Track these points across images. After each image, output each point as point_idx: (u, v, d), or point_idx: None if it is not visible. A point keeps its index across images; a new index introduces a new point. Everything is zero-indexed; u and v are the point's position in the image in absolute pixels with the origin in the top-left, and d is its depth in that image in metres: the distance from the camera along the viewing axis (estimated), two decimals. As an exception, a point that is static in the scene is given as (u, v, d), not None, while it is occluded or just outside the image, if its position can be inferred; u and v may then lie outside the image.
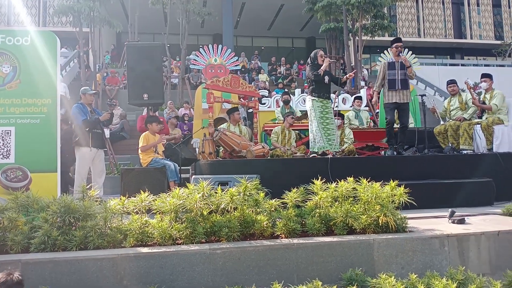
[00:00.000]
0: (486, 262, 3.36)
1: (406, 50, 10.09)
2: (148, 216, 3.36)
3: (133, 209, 3.30)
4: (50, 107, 4.24)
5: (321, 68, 5.97)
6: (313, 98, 6.07)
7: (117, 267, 2.87)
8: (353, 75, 6.47)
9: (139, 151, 5.71)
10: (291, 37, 29.39)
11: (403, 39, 21.73)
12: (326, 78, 5.98)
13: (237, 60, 10.94)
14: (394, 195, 3.42)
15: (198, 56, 9.32)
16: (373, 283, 2.82)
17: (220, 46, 9.52)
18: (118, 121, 11.34)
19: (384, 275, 2.84)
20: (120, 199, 3.38)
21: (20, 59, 4.18)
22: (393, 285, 2.72)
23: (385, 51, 10.74)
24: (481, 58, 27.14)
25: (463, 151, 6.54)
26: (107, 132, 8.21)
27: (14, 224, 3.15)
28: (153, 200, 3.35)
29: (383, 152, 7.83)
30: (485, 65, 24.05)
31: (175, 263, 2.91)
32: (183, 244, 3.09)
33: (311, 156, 6.06)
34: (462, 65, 24.26)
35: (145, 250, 2.95)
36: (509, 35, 25.84)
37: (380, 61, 10.14)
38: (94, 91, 6.12)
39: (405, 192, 3.43)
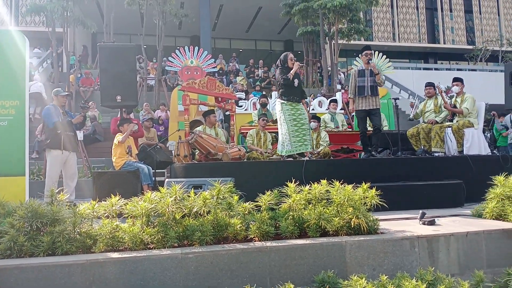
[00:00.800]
0: (455, 262, 3.43)
1: (381, 54, 10.24)
2: (119, 220, 3.31)
3: (104, 213, 3.23)
4: (18, 108, 4.13)
5: (291, 72, 5.93)
6: (282, 101, 6.00)
7: (86, 273, 2.80)
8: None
9: (113, 154, 5.61)
10: (269, 40, 29.52)
11: (378, 43, 22.20)
12: (296, 81, 5.97)
13: (214, 62, 10.89)
14: (366, 197, 3.46)
15: (174, 58, 9.24)
16: (345, 285, 2.84)
17: (196, 48, 9.48)
18: (90, 124, 11.14)
19: (356, 276, 2.87)
20: (91, 203, 3.30)
21: (-14, 59, 4.06)
22: (363, 287, 2.74)
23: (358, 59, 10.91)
24: (454, 62, 27.87)
25: (435, 154, 6.68)
26: (80, 135, 8.06)
27: (-21, 230, 3.04)
28: (124, 204, 3.29)
29: (358, 154, 7.94)
30: (458, 70, 24.74)
31: (146, 268, 2.86)
32: (154, 248, 3.04)
33: (287, 159, 6.07)
34: (436, 69, 24.87)
35: (115, 255, 2.90)
36: (480, 40, 26.60)
37: (356, 65, 10.30)
38: (66, 93, 5.99)
39: (376, 194, 3.47)
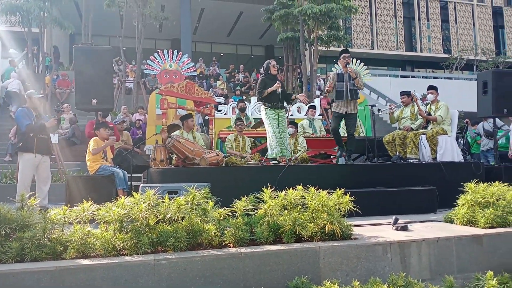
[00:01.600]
0: (427, 267, 3.49)
1: (358, 61, 10.44)
2: (92, 226, 3.25)
3: (75, 219, 3.17)
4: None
5: (268, 90, 6.08)
6: (266, 107, 6.20)
7: (55, 280, 2.74)
8: (304, 100, 6.62)
9: (87, 158, 5.51)
10: (250, 45, 29.62)
11: (357, 50, 22.52)
12: (279, 89, 6.07)
13: (193, 66, 10.85)
14: (340, 203, 3.49)
15: (152, 61, 9.17)
16: (318, 291, 2.86)
17: (175, 51, 9.42)
18: (69, 126, 10.93)
19: (328, 282, 2.89)
20: (62, 208, 3.24)
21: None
22: (336, 293, 2.77)
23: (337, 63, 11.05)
24: (430, 70, 28.50)
25: (410, 160, 6.81)
26: (55, 138, 7.90)
27: None
28: (97, 210, 3.23)
29: (335, 160, 8.01)
30: (434, 77, 25.32)
31: (118, 275, 2.81)
32: (127, 255, 3.00)
33: (272, 163, 6.11)
34: (413, 76, 25.41)
35: (86, 262, 2.84)
36: (456, 49, 27.28)
37: (335, 69, 10.43)
38: (40, 95, 5.85)
39: (350, 200, 3.51)
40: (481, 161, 8.77)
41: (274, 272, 3.10)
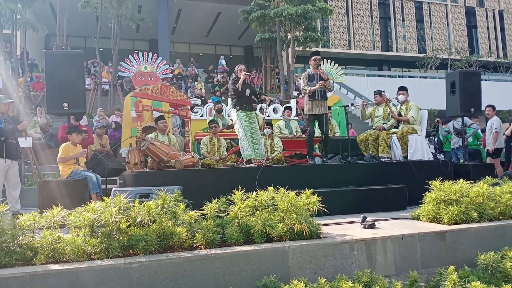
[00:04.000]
0: (392, 264, 3.62)
1: (333, 63, 10.60)
2: (63, 231, 3.26)
3: (45, 224, 3.18)
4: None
5: (239, 82, 6.27)
6: (237, 110, 6.37)
7: (25, 286, 2.75)
8: (270, 102, 6.81)
9: (58, 163, 5.48)
10: (229, 45, 29.63)
11: (335, 50, 22.74)
12: (247, 91, 6.27)
13: (168, 68, 10.85)
14: (309, 203, 3.59)
15: (127, 63, 9.13)
16: (286, 289, 2.95)
17: (150, 53, 9.41)
18: (47, 127, 10.75)
19: (296, 280, 2.98)
20: (32, 214, 3.24)
21: None
22: (303, 290, 2.86)
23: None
24: (406, 70, 29.04)
25: (382, 159, 6.98)
26: (29, 141, 7.79)
27: None
28: (68, 215, 3.25)
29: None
30: (410, 77, 25.84)
31: (88, 279, 2.84)
32: (98, 259, 3.03)
33: (248, 165, 6.20)
34: (389, 76, 25.86)
35: (55, 267, 2.86)
36: (431, 49, 27.87)
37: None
38: (9, 100, 5.78)
39: (319, 200, 3.62)
40: (452, 158, 9.06)
41: (244, 272, 3.17)
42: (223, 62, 20.77)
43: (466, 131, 8.39)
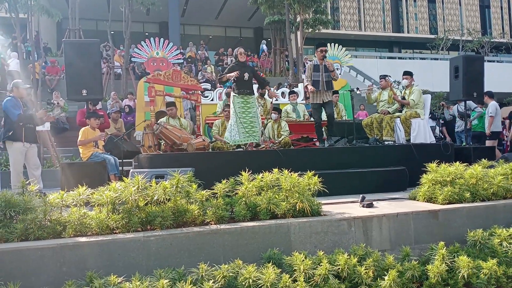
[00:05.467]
0: (387, 240, 3.94)
1: (340, 46, 10.73)
2: (87, 208, 3.62)
3: (72, 202, 3.54)
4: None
5: (226, 75, 6.36)
6: (234, 94, 6.48)
7: (57, 255, 3.12)
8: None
9: (78, 146, 5.85)
10: (239, 27, 29.66)
11: (345, 32, 22.63)
12: (246, 75, 6.37)
13: (180, 53, 11.11)
14: (310, 184, 3.90)
15: (139, 49, 9.42)
16: (287, 260, 3.29)
17: (162, 39, 9.66)
18: (60, 112, 11.17)
19: (297, 253, 3.31)
20: (59, 193, 3.60)
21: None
22: (302, 261, 3.19)
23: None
24: (418, 51, 28.84)
25: (386, 142, 7.23)
26: (47, 125, 8.18)
27: (-45, 219, 3.30)
28: (91, 194, 3.60)
29: (317, 143, 8.42)
30: (421, 58, 25.69)
31: (112, 250, 3.21)
32: (119, 233, 3.39)
33: (236, 150, 6.44)
34: (400, 58, 25.76)
35: (83, 239, 3.23)
36: (442, 30, 27.59)
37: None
38: (28, 86, 6.09)
39: (320, 181, 3.92)
40: (456, 141, 9.28)
41: (250, 245, 3.51)
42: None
43: (470, 115, 8.58)
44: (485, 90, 7.88)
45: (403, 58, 25.64)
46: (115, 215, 3.47)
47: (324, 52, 6.75)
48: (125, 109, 11.05)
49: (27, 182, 3.79)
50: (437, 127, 10.91)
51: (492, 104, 8.37)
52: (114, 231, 3.43)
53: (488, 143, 8.35)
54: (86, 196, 3.57)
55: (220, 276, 3.00)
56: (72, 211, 3.45)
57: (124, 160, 6.74)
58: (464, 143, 8.19)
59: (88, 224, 3.40)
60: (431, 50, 26.85)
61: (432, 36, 26.80)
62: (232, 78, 6.27)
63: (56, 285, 2.96)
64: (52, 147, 9.26)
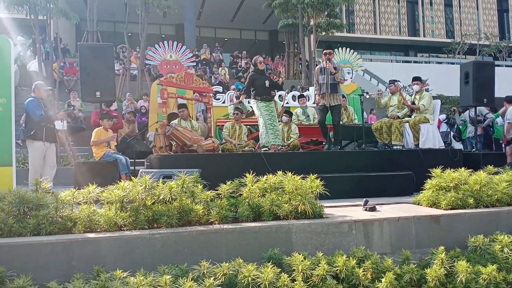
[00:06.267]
0: (388, 243, 4.00)
1: (352, 51, 10.77)
2: (97, 206, 3.77)
3: (82, 199, 3.70)
4: (5, 106, 4.55)
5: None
6: (256, 100, 6.71)
7: (67, 250, 3.28)
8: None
9: (91, 145, 6.05)
10: (254, 30, 29.83)
11: (360, 35, 22.55)
12: (267, 83, 6.62)
13: (193, 56, 11.31)
14: (313, 186, 3.99)
15: (153, 52, 9.64)
16: (287, 260, 3.39)
17: (175, 42, 9.86)
18: (77, 112, 11.46)
19: (296, 253, 3.41)
20: (71, 190, 3.77)
21: (-24, 61, 4.46)
22: (301, 261, 3.29)
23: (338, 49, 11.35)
24: (434, 55, 28.57)
25: (394, 147, 7.26)
26: (64, 124, 8.43)
27: (-28, 214, 3.48)
28: (101, 192, 3.76)
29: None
30: (437, 63, 25.45)
31: (119, 246, 3.35)
32: (127, 230, 3.53)
33: (262, 150, 6.61)
34: (415, 62, 25.56)
35: (92, 235, 3.38)
36: (459, 34, 27.30)
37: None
38: (49, 88, 6.32)
39: (322, 184, 4.01)
40: (467, 147, 9.23)
41: (252, 245, 3.62)
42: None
43: (483, 121, 8.54)
44: (504, 95, 7.81)
45: (418, 62, 25.45)
46: (123, 213, 3.61)
47: (328, 55, 6.80)
48: (141, 110, 11.28)
49: (41, 180, 3.96)
50: (451, 132, 10.87)
51: (511, 110, 8.30)
52: (122, 228, 3.57)
53: (509, 149, 8.26)
54: (96, 194, 3.72)
55: (220, 274, 3.12)
56: (82, 208, 3.61)
57: (137, 160, 6.92)
58: (474, 149, 8.15)
59: (97, 221, 3.55)
60: (448, 54, 26.59)
61: (449, 40, 26.54)
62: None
63: (65, 278, 3.11)
64: (69, 146, 9.51)
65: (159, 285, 2.97)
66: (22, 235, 3.36)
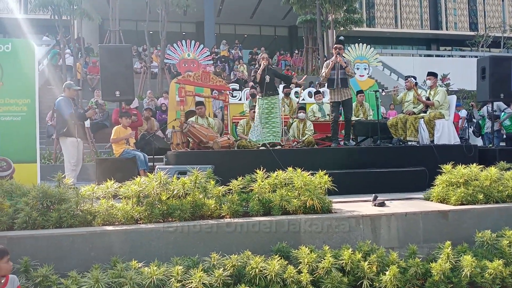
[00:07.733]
0: (395, 238, 4.08)
1: (369, 46, 10.74)
2: (115, 200, 3.99)
3: (101, 194, 3.92)
4: (30, 106, 4.82)
5: (258, 71, 6.66)
6: (259, 97, 6.80)
7: (86, 241, 3.50)
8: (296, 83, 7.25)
9: (111, 143, 6.31)
10: (273, 26, 29.85)
11: (381, 30, 22.26)
12: (267, 78, 6.62)
13: (211, 54, 11.51)
14: (321, 182, 4.10)
15: (172, 51, 9.87)
16: (294, 253, 3.52)
17: (193, 41, 10.07)
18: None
19: (303, 247, 3.54)
20: (91, 186, 3.99)
21: (2, 64, 4.73)
22: (307, 254, 3.42)
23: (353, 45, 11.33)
24: (457, 48, 28.00)
25: (409, 142, 7.27)
26: (87, 122, 8.76)
27: (0, 207, 3.75)
28: (119, 187, 3.98)
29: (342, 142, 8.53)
30: (461, 56, 24.95)
31: (135, 238, 3.55)
32: (142, 223, 3.74)
33: (261, 148, 6.71)
34: (437, 56, 25.12)
35: (110, 228, 3.60)
36: (483, 26, 26.67)
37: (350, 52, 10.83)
38: (78, 88, 6.58)
39: (330, 180, 4.12)
40: (485, 143, 9.13)
41: (261, 238, 3.77)
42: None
43: (500, 116, 8.44)
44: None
45: (441, 56, 25.00)
46: (139, 207, 3.82)
47: (337, 50, 6.81)
48: (161, 107, 11.55)
49: (63, 176, 4.20)
50: (471, 128, 10.74)
51: None
52: (138, 222, 3.78)
53: None
54: (114, 189, 3.94)
55: (229, 265, 3.28)
56: (101, 203, 3.83)
57: (155, 157, 7.16)
58: (490, 145, 8.07)
59: (115, 214, 3.76)
60: (471, 48, 26.01)
61: (472, 33, 25.96)
62: (261, 70, 6.64)
63: (85, 268, 3.32)
64: (92, 143, 9.85)
65: (171, 275, 3.16)
66: (45, 227, 3.60)
